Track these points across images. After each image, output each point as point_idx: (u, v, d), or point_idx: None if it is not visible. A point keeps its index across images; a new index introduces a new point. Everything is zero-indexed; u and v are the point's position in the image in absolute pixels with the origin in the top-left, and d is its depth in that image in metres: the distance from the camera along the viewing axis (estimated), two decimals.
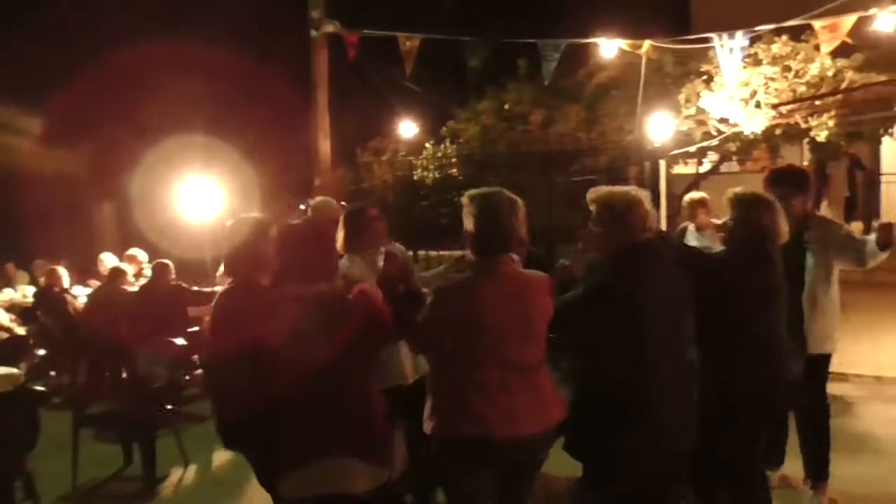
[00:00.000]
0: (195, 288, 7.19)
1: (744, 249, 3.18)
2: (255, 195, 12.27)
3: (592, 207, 2.96)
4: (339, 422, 2.54)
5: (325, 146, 9.24)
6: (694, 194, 6.38)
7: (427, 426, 2.72)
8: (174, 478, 4.97)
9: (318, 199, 4.90)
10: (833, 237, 3.84)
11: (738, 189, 3.33)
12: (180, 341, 6.05)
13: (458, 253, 5.24)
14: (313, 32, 8.76)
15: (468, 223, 2.70)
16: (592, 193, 2.98)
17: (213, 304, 3.02)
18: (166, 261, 6.81)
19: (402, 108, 11.39)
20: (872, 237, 3.67)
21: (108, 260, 7.76)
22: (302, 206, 11.86)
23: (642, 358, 2.77)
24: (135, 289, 6.98)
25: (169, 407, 5.33)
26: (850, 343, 7.14)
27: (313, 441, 2.54)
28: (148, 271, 7.25)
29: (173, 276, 6.74)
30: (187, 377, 6.55)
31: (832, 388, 4.13)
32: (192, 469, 5.10)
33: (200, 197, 9.15)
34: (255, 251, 2.93)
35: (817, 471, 3.96)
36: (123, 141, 12.11)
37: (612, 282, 2.81)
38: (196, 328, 6.72)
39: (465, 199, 2.75)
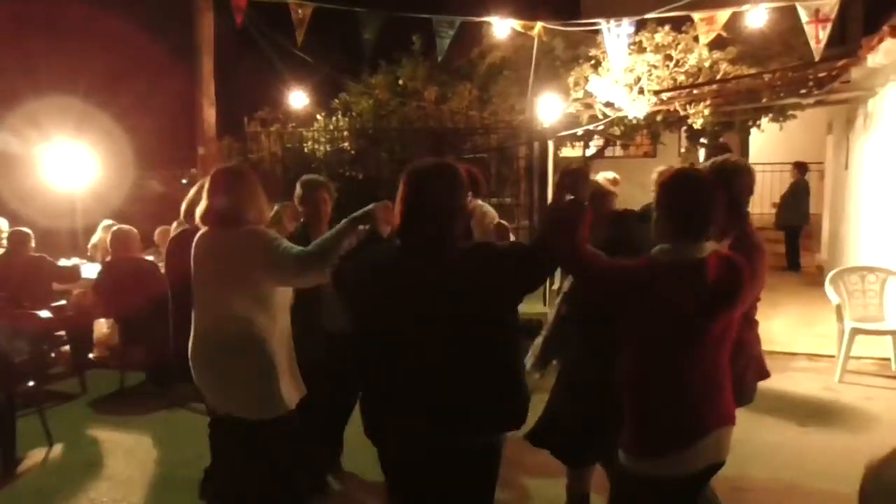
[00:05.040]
0: (63, 262, 6.72)
1: None
2: (132, 163, 11.63)
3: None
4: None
5: (209, 114, 8.83)
6: (607, 174, 6.72)
7: None
8: (37, 459, 4.63)
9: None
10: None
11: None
12: (45, 314, 5.61)
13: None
14: None
15: None
16: None
17: None
18: (26, 229, 6.25)
19: (293, 78, 11.03)
20: None
21: None
22: (184, 181, 11.38)
23: None
24: None
25: (31, 384, 4.94)
26: None
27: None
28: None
29: (33, 246, 6.23)
30: (52, 354, 6.10)
31: None
32: (58, 450, 4.77)
33: (69, 163, 8.55)
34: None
35: None
36: None
37: None
38: (63, 302, 6.29)
39: None
